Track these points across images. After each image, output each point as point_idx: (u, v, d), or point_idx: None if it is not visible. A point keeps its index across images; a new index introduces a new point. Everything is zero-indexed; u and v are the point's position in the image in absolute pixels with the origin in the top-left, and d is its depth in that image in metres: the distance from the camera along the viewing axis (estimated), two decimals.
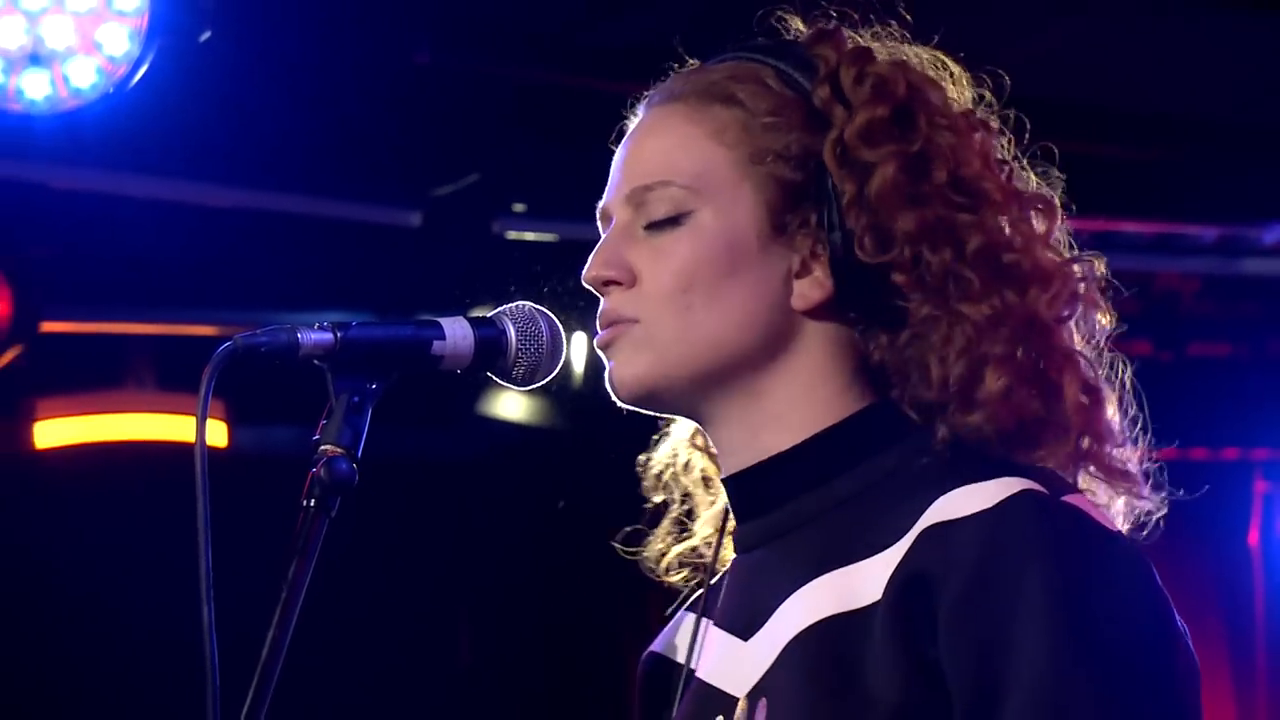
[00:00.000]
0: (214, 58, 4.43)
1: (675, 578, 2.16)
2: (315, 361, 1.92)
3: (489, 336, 1.98)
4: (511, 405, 5.56)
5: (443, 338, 1.96)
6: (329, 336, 1.92)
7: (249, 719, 1.82)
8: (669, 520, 2.16)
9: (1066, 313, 1.96)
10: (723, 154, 1.98)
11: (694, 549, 2.15)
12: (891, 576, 1.85)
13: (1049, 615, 1.78)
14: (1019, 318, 1.93)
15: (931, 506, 1.85)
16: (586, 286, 2.01)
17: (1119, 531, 1.91)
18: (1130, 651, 1.81)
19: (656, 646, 2.13)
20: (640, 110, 2.06)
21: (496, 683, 6.35)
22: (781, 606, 1.93)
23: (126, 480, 5.50)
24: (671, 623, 2.14)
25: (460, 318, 1.98)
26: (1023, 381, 1.92)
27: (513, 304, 2.02)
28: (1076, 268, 1.98)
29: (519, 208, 5.19)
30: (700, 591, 2.12)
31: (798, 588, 1.92)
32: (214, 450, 1.94)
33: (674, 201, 1.97)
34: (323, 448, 1.90)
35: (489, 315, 2.00)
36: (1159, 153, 5.31)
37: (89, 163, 4.81)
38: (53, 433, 5.49)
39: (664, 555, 2.16)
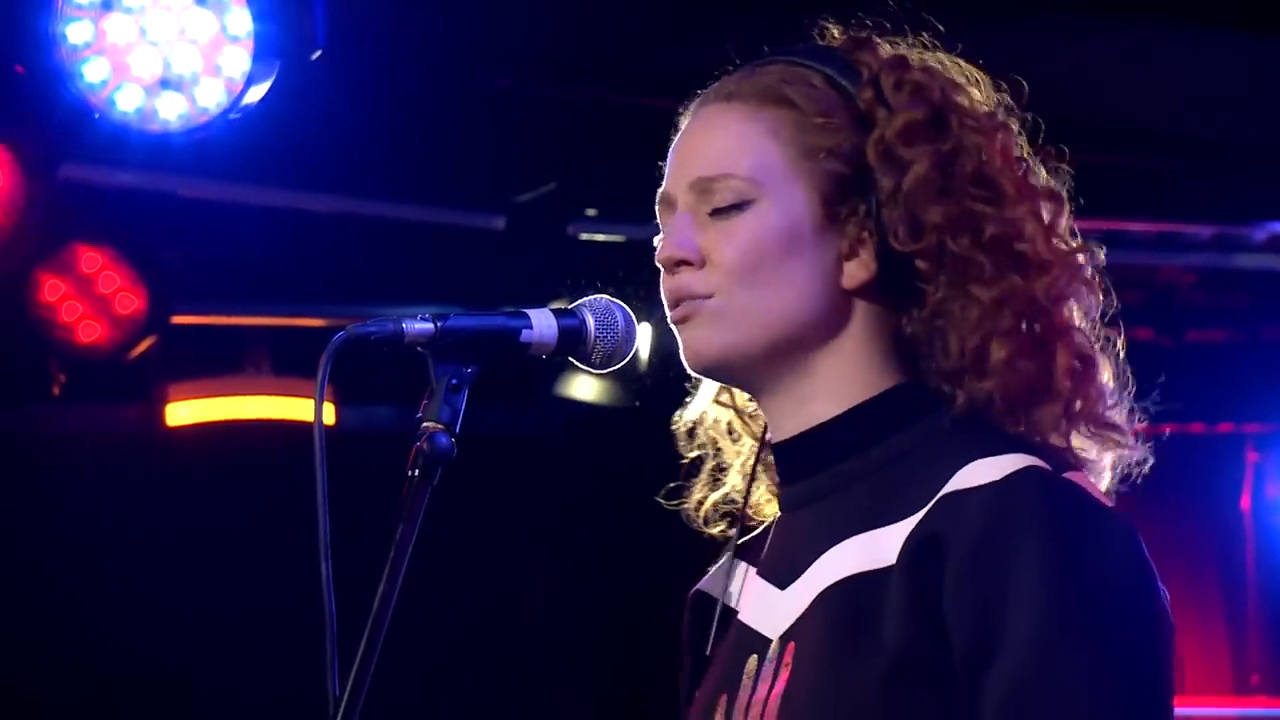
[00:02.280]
0: (323, 82, 4.45)
1: (715, 529, 2.14)
2: (418, 349, 1.92)
3: (571, 326, 1.98)
4: (584, 387, 5.56)
5: (530, 327, 1.96)
6: (430, 326, 1.92)
7: (363, 662, 1.83)
8: (705, 473, 2.14)
9: (1067, 294, 1.95)
10: (779, 150, 1.96)
11: (729, 499, 2.14)
12: (907, 539, 1.85)
13: (1043, 580, 1.78)
14: (1023, 298, 1.93)
15: (952, 478, 1.85)
16: (659, 265, 1.99)
17: (1112, 506, 1.90)
18: (1116, 615, 1.80)
19: (702, 585, 2.13)
20: (694, 108, 2.04)
21: (569, 634, 6.36)
22: (816, 562, 1.93)
23: (246, 453, 5.54)
24: (718, 565, 2.13)
25: (545, 309, 1.98)
26: (1024, 353, 1.92)
27: (591, 297, 2.02)
28: (1079, 256, 1.98)
29: (591, 212, 5.19)
30: (743, 539, 2.11)
31: (831, 546, 1.92)
32: (324, 427, 1.95)
33: (737, 192, 1.96)
34: (425, 424, 1.90)
35: (570, 307, 2.00)
36: (1161, 162, 5.29)
37: (213, 174, 4.84)
38: (182, 413, 5.50)
39: (702, 505, 2.14)
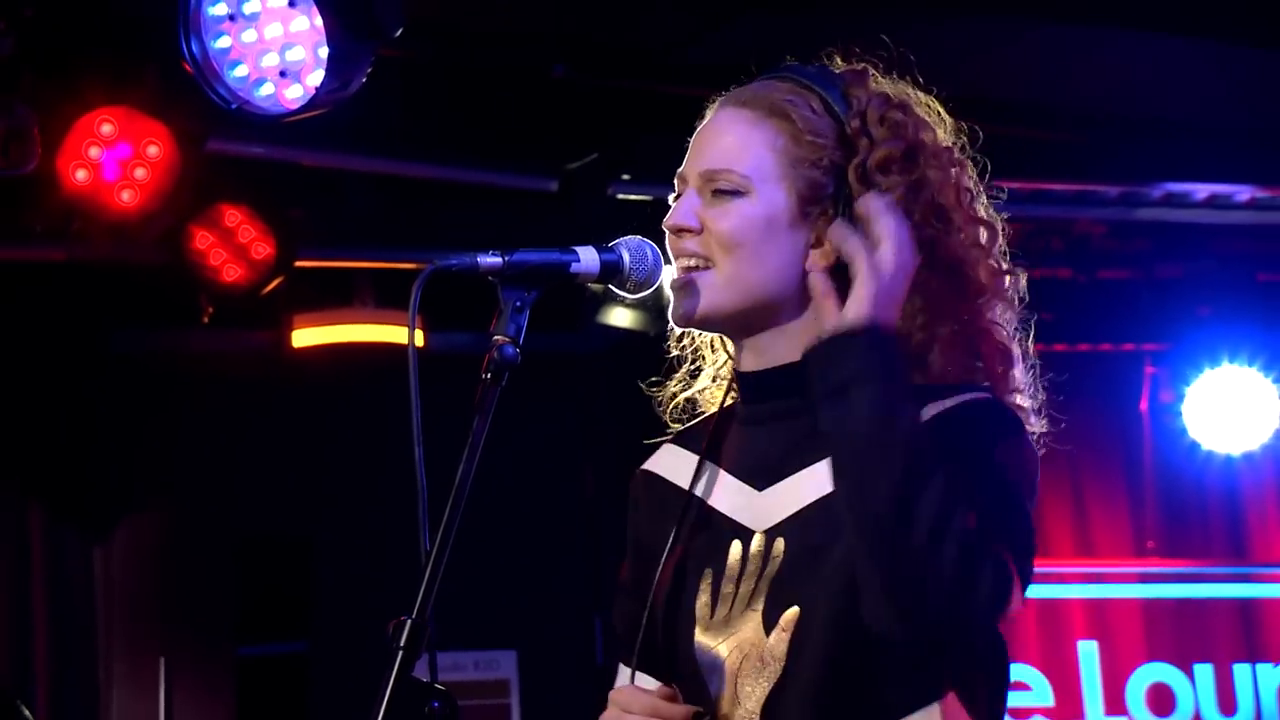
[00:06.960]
0: (413, 73, 4.44)
1: (676, 426, 2.14)
2: (489, 278, 1.92)
3: (610, 259, 1.98)
4: (620, 316, 5.56)
5: (578, 260, 1.97)
6: (499, 260, 1.93)
7: (448, 526, 1.83)
8: (683, 371, 2.14)
9: (994, 308, 1.98)
10: (772, 157, 1.96)
11: (700, 395, 2.14)
12: None
13: (1003, 454, 1.86)
14: (958, 310, 1.95)
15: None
16: (665, 230, 2.00)
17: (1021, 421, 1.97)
18: (1029, 479, 1.88)
19: (652, 468, 2.11)
20: (719, 105, 2.03)
21: (614, 510, 6.36)
22: (800, 473, 1.94)
23: (355, 368, 5.55)
24: (662, 452, 2.12)
25: (590, 246, 1.98)
26: (954, 350, 1.95)
27: (627, 237, 2.01)
28: (1007, 279, 2.00)
29: (626, 177, 5.17)
30: (691, 427, 2.11)
31: (806, 466, 1.93)
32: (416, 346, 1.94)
33: (733, 183, 1.96)
34: (495, 337, 1.90)
35: (610, 245, 2.00)
36: (1077, 134, 5.27)
37: (328, 147, 4.84)
38: (305, 337, 5.52)
39: (675, 396, 2.15)
